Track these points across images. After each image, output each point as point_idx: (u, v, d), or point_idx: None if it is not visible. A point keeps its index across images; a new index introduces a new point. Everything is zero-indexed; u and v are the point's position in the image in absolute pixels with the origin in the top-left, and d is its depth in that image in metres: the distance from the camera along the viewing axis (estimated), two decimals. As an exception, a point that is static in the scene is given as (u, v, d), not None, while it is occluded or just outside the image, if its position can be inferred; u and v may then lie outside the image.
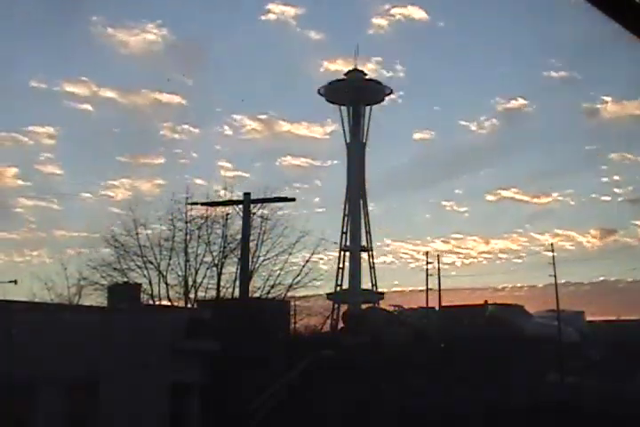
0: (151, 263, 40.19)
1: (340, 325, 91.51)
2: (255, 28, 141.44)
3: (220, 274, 40.96)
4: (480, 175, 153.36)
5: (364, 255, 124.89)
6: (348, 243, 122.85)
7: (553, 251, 75.07)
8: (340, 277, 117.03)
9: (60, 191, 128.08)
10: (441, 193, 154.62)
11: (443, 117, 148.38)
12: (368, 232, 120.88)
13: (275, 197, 32.81)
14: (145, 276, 40.14)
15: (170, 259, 40.46)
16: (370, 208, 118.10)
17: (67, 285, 38.91)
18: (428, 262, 74.39)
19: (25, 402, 23.05)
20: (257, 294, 40.58)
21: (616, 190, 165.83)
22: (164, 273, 40.31)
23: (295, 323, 50.37)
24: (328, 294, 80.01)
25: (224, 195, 40.67)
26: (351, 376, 48.52)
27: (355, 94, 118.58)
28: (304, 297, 44.57)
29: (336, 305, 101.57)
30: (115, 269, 39.91)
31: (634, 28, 4.94)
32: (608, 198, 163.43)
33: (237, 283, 36.99)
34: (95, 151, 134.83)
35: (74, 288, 39.02)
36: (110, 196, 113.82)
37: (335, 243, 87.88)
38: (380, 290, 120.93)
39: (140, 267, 40.21)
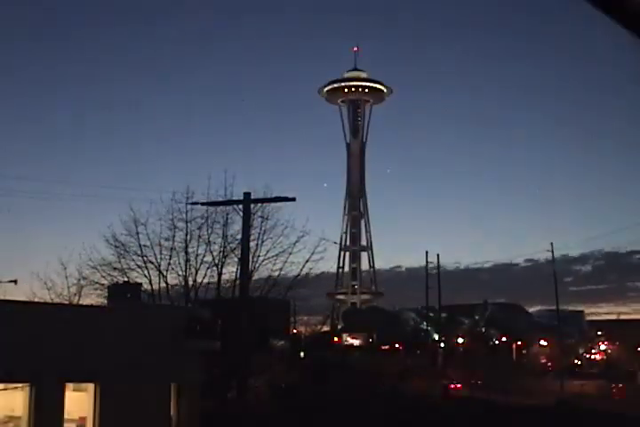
0: (151, 263, 40.18)
1: (340, 324, 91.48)
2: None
3: (220, 274, 40.93)
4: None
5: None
6: (347, 243, 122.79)
7: (552, 251, 75.11)
8: (339, 277, 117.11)
9: None
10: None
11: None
12: (368, 232, 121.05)
13: (275, 197, 32.69)
14: (145, 275, 40.13)
15: (170, 258, 40.44)
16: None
17: (67, 285, 38.97)
18: (427, 262, 74.37)
19: (24, 402, 23.03)
20: (257, 294, 40.54)
21: None
22: (165, 273, 40.31)
23: (295, 322, 50.37)
24: (328, 294, 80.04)
25: (224, 195, 40.60)
26: (351, 375, 48.58)
27: (355, 94, 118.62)
28: (304, 296, 44.53)
29: (336, 304, 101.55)
30: (115, 268, 39.91)
31: (634, 28, 4.93)
32: None
33: (237, 283, 36.94)
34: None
35: (74, 288, 39.07)
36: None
37: (335, 243, 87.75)
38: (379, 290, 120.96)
39: (140, 266, 40.20)
